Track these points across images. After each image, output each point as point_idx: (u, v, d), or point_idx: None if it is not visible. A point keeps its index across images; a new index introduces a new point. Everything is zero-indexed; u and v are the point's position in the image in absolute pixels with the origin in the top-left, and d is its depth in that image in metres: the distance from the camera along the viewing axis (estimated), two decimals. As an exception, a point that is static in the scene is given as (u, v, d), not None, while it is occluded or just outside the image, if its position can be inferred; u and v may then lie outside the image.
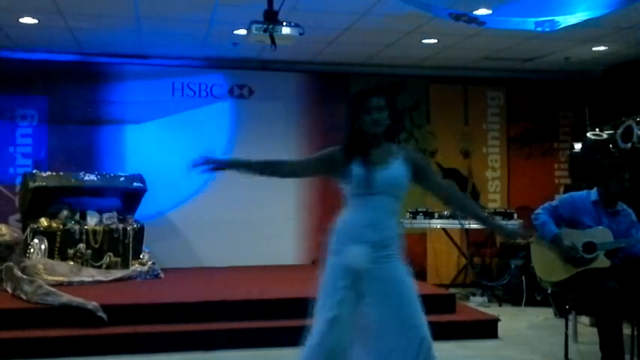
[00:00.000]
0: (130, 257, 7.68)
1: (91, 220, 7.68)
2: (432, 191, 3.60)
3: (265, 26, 5.59)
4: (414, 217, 8.25)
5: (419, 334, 3.32)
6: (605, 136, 7.30)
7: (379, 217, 3.35)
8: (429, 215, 8.25)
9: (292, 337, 5.90)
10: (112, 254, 7.59)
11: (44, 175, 7.72)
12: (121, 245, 7.66)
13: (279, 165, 3.67)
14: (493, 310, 7.15)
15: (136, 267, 7.58)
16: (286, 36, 5.69)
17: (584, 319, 6.42)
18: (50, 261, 7.17)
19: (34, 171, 7.90)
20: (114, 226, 7.70)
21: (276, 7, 5.68)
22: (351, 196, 3.41)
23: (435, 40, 7.90)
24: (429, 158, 9.52)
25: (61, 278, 6.84)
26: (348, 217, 3.43)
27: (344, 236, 3.38)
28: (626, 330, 4.94)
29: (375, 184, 3.30)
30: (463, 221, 8.15)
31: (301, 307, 6.26)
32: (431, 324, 6.58)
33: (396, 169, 3.36)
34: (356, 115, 3.41)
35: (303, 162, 3.74)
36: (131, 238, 7.71)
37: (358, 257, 3.29)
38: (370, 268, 3.29)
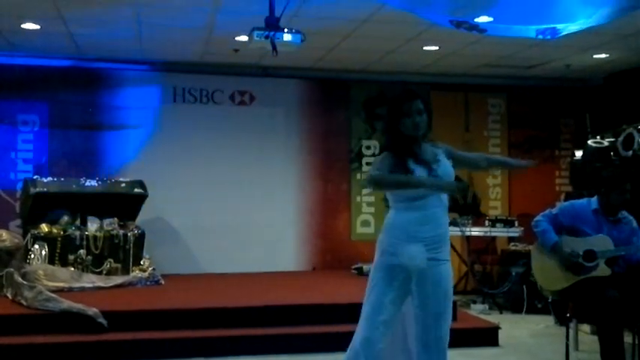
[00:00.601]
0: (131, 263, 7.67)
1: (92, 226, 7.68)
2: (470, 168, 3.75)
3: (266, 33, 5.60)
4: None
5: (439, 342, 3.42)
6: (606, 143, 7.30)
7: (436, 213, 3.45)
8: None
9: (293, 345, 5.93)
10: (112, 260, 7.58)
11: (45, 180, 7.73)
12: (122, 251, 7.65)
13: None
14: (494, 318, 7.14)
15: (136, 273, 7.57)
16: (287, 42, 5.69)
17: (585, 327, 6.40)
18: (51, 267, 7.16)
19: (35, 177, 7.91)
20: (114, 232, 7.70)
21: (277, 13, 5.68)
22: (408, 196, 3.45)
23: (436, 47, 7.91)
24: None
25: (61, 284, 6.83)
26: (403, 216, 3.48)
27: (399, 235, 3.44)
28: (627, 338, 4.93)
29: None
30: (464, 228, 8.15)
31: (302, 314, 6.31)
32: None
33: (446, 163, 3.51)
34: (398, 119, 3.50)
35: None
36: (131, 244, 7.71)
37: (415, 257, 3.38)
38: (423, 268, 3.38)
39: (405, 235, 3.42)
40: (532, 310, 7.76)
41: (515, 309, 7.90)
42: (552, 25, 5.86)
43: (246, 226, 8.86)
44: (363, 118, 9.44)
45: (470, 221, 8.33)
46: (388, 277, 3.42)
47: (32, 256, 7.23)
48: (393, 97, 3.62)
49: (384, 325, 3.40)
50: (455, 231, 8.20)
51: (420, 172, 3.42)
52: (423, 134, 3.56)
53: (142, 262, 7.73)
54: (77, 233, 7.53)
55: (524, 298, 7.80)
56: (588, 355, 5.66)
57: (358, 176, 9.34)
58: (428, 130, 3.59)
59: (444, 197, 3.50)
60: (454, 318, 6.45)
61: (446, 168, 3.50)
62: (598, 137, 7.50)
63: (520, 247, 8.31)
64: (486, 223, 8.34)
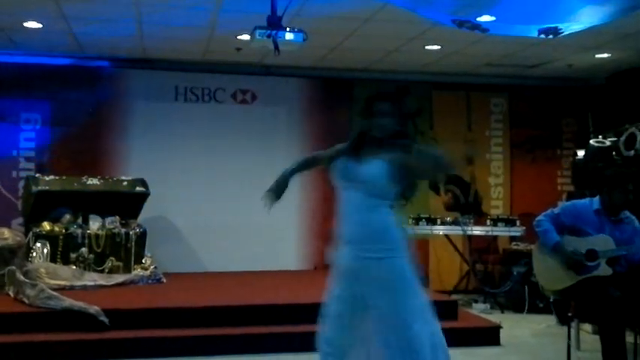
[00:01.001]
0: (132, 262, 7.68)
1: (94, 225, 7.68)
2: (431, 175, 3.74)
3: (269, 32, 5.60)
4: (417, 224, 8.25)
5: (413, 334, 3.33)
6: (608, 143, 7.29)
7: (357, 213, 3.45)
8: (431, 221, 8.25)
9: (294, 343, 5.93)
10: (114, 259, 7.59)
11: (47, 179, 7.73)
12: (124, 250, 7.66)
13: (302, 165, 3.93)
14: (495, 317, 7.14)
15: (138, 271, 7.58)
16: (289, 42, 5.69)
17: (587, 327, 6.40)
18: (52, 265, 7.17)
19: (37, 175, 7.92)
20: (116, 231, 7.70)
21: (279, 12, 5.68)
22: (339, 193, 3.54)
23: (438, 47, 7.91)
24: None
25: (63, 282, 6.84)
26: (338, 220, 3.55)
27: (337, 239, 3.53)
28: (629, 338, 4.93)
29: (350, 176, 3.45)
30: (466, 228, 8.15)
31: (303, 312, 6.30)
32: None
33: (375, 166, 3.42)
34: (366, 117, 3.53)
35: (316, 154, 3.94)
36: (133, 243, 7.71)
37: (343, 258, 3.45)
38: (360, 267, 3.39)
39: (339, 238, 3.52)
40: (534, 310, 7.76)
41: (517, 308, 7.90)
42: (554, 25, 5.85)
43: (248, 224, 8.84)
44: (366, 117, 9.41)
45: (471, 220, 8.33)
46: (334, 278, 3.51)
47: (34, 254, 7.24)
48: (366, 96, 3.65)
49: (327, 319, 3.47)
50: (457, 230, 8.22)
51: (341, 165, 3.50)
52: (388, 136, 3.47)
53: (143, 261, 7.74)
54: (79, 231, 7.54)
55: (525, 298, 7.80)
56: (590, 355, 5.65)
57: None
58: (398, 134, 3.49)
59: (367, 196, 3.42)
60: (455, 317, 6.53)
61: (369, 168, 3.41)
62: (600, 137, 7.49)
63: (522, 246, 8.31)
64: (488, 222, 8.33)
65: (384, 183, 3.43)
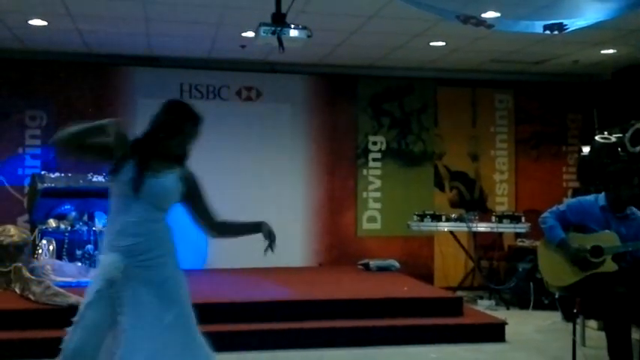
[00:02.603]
0: (138, 259, 7.68)
1: (99, 222, 7.70)
2: (198, 214, 3.68)
3: (273, 29, 5.60)
4: (422, 220, 8.25)
5: (180, 336, 3.40)
6: (613, 139, 7.28)
7: (134, 224, 3.28)
8: (436, 218, 8.25)
9: (298, 339, 5.94)
10: (119, 255, 7.60)
11: (52, 176, 7.74)
12: (129, 247, 7.66)
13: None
14: (500, 314, 7.13)
15: (143, 268, 7.59)
16: (294, 38, 5.69)
17: (592, 323, 6.39)
18: (58, 262, 7.19)
19: (43, 172, 7.93)
20: (121, 228, 7.71)
21: (284, 9, 5.69)
22: (114, 197, 3.33)
23: (443, 43, 7.90)
24: (436, 161, 9.53)
25: (69, 279, 6.85)
26: (108, 222, 3.40)
27: (104, 243, 3.34)
28: (635, 334, 4.92)
29: (139, 189, 3.25)
30: (471, 224, 8.14)
31: (305, 309, 6.32)
32: (438, 327, 6.60)
33: (167, 180, 3.36)
34: (169, 127, 3.42)
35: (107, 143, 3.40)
36: (138, 240, 7.71)
37: (108, 266, 3.24)
38: (123, 276, 3.22)
39: (106, 243, 3.32)
40: (539, 306, 7.76)
41: (522, 305, 7.90)
42: (560, 21, 5.84)
43: (252, 221, 8.84)
44: (370, 114, 9.44)
45: (476, 217, 8.32)
46: (93, 282, 3.31)
47: (40, 251, 7.26)
48: (184, 110, 3.52)
49: (74, 324, 3.33)
50: (462, 227, 8.21)
51: (127, 174, 3.25)
52: (180, 156, 3.48)
53: (148, 258, 7.74)
54: (84, 228, 7.56)
55: (531, 294, 7.81)
56: (595, 351, 5.65)
57: (365, 172, 9.33)
58: (187, 154, 3.51)
59: (151, 209, 3.33)
60: (460, 313, 6.54)
61: (160, 182, 3.33)
62: (605, 133, 7.48)
63: (527, 243, 8.31)
64: (493, 219, 8.32)
65: (175, 198, 3.42)
